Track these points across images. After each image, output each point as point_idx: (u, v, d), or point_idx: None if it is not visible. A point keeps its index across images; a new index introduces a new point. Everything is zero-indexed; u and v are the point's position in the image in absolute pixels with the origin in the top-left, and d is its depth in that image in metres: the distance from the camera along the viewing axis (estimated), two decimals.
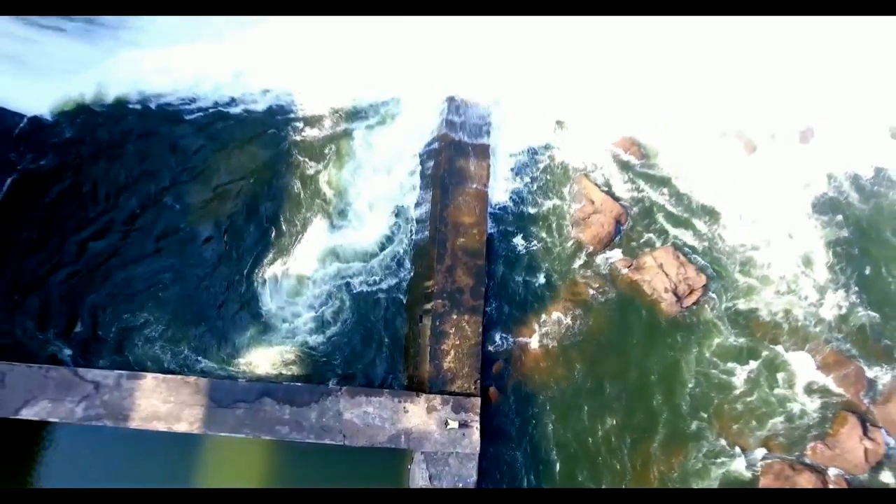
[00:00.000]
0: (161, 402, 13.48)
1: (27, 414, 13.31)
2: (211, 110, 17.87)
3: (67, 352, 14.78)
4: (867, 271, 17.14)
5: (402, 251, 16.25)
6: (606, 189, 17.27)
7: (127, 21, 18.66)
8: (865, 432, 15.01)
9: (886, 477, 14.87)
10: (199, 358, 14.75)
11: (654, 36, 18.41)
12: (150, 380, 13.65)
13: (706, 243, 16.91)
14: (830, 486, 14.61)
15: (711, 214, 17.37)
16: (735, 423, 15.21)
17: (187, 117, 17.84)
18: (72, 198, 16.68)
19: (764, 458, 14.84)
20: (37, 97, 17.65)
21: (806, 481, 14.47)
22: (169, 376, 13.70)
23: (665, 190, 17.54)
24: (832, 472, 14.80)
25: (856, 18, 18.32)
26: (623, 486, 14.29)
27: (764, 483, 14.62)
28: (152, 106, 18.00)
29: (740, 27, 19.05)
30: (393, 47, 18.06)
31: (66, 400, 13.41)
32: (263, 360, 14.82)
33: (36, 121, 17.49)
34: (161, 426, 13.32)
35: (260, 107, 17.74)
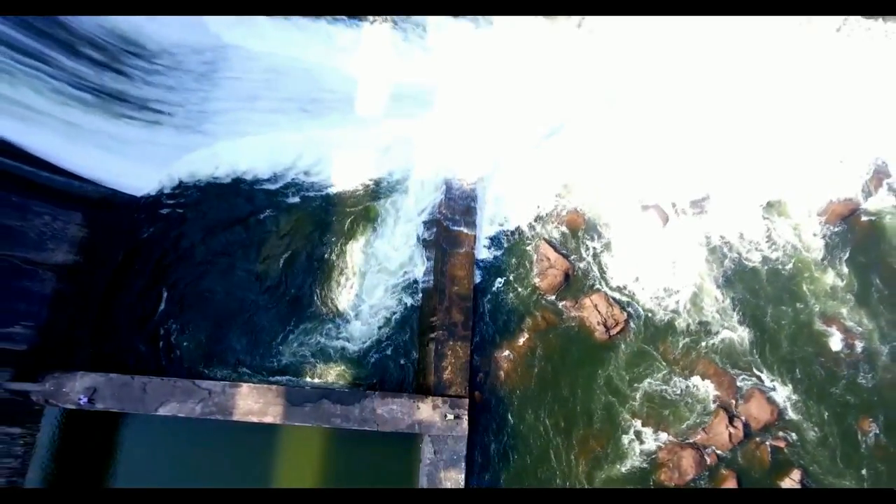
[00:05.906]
0: (254, 403, 19.91)
1: (162, 412, 19.63)
2: (268, 190, 24.36)
3: (182, 367, 21.23)
4: (745, 311, 23.99)
5: (415, 297, 22.90)
6: (559, 250, 24.11)
7: (207, 118, 25.20)
8: (731, 422, 21.96)
9: (744, 452, 21.84)
10: (278, 371, 21.33)
11: (598, 138, 25.52)
12: (245, 387, 20.06)
13: (628, 290, 23.81)
14: (706, 460, 21.53)
15: (634, 267, 24.22)
16: (644, 416, 22.08)
17: (253, 196, 24.34)
18: (173, 254, 23.07)
19: (662, 440, 21.72)
20: (144, 179, 23.96)
21: (689, 455, 21.37)
22: (258, 385, 20.14)
23: (602, 250, 24.40)
24: (707, 449, 21.73)
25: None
26: (564, 459, 21.04)
27: (661, 456, 21.50)
28: (229, 184, 24.41)
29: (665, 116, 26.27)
30: (403, 146, 24.83)
31: (188, 402, 19.77)
32: (322, 373, 21.42)
33: (146, 197, 23.79)
34: (254, 419, 19.73)
35: (309, 192, 24.27)
